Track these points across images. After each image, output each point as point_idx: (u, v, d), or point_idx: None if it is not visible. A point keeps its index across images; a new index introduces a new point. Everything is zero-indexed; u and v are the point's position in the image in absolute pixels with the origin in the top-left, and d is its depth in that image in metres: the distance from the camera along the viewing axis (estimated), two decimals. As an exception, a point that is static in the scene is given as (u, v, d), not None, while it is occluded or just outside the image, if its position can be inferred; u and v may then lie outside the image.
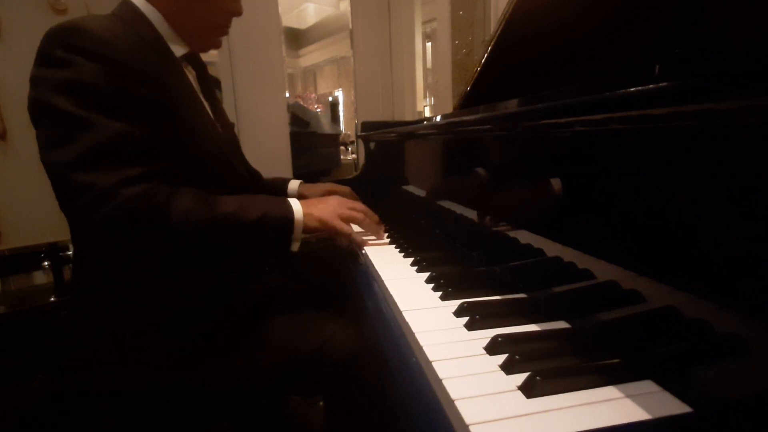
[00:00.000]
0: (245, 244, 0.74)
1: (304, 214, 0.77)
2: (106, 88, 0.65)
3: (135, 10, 0.77)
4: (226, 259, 0.79)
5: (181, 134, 0.73)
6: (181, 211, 0.65)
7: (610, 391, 0.36)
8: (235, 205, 0.71)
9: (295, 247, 0.77)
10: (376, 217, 0.91)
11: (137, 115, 0.67)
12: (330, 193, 1.10)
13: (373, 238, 0.91)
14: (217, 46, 0.88)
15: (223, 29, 0.86)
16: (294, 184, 1.12)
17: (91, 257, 0.72)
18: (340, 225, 0.81)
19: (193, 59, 0.85)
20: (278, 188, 1.11)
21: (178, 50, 0.80)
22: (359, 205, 0.87)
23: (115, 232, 0.62)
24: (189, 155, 0.74)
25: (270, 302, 0.89)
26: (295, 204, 0.77)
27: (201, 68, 0.87)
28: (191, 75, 0.84)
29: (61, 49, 0.64)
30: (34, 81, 0.65)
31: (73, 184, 0.61)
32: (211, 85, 0.91)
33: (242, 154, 0.99)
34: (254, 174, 1.09)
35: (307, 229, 0.77)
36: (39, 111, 0.65)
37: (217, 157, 0.81)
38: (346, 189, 1.13)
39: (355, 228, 0.89)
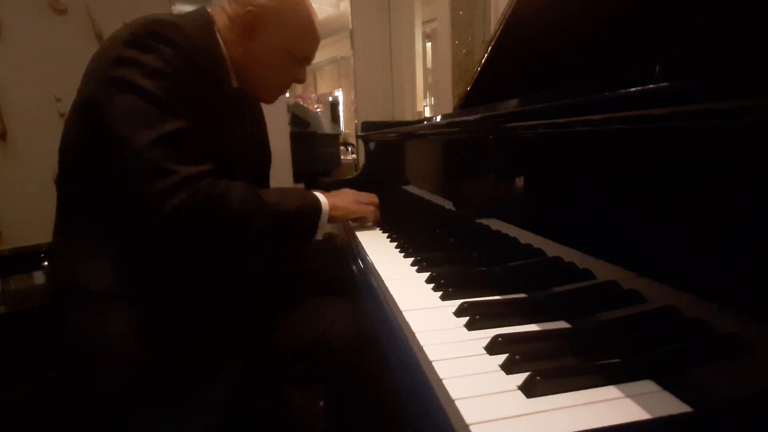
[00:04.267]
0: (285, 230, 0.80)
1: (330, 205, 0.85)
2: (189, 86, 0.70)
3: (211, 23, 0.80)
4: (265, 245, 0.83)
5: (222, 149, 0.77)
6: (238, 198, 0.71)
7: (610, 391, 0.36)
8: (278, 196, 0.78)
9: (320, 235, 0.84)
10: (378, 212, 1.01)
11: (203, 116, 0.71)
12: None
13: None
14: (269, 101, 0.92)
15: (282, 90, 0.91)
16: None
17: (85, 249, 0.72)
18: (363, 208, 0.95)
19: (239, 94, 0.87)
20: None
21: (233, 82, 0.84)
22: (370, 198, 0.99)
23: (181, 218, 0.66)
24: (222, 169, 0.77)
25: (268, 293, 0.90)
26: (321, 197, 0.86)
27: (245, 104, 0.90)
28: (244, 105, 0.88)
29: (154, 38, 0.68)
30: (123, 61, 0.67)
31: (157, 166, 0.64)
32: (255, 118, 0.95)
33: (265, 178, 1.03)
34: None
35: (332, 219, 0.86)
36: (126, 87, 0.66)
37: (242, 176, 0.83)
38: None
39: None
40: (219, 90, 0.78)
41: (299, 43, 0.85)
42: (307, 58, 0.88)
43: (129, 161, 0.65)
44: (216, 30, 0.80)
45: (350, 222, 0.99)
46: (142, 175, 0.65)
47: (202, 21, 0.79)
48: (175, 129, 0.66)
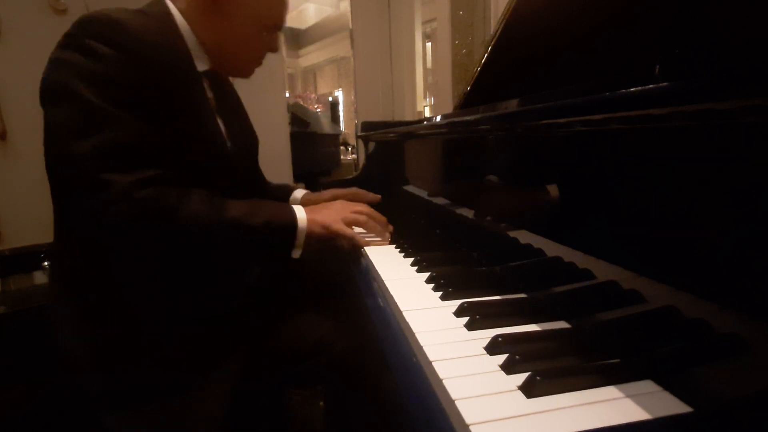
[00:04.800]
0: (249, 248, 0.74)
1: (308, 221, 0.77)
2: (133, 87, 0.65)
3: (168, 13, 0.76)
4: (229, 261, 0.78)
5: (191, 145, 0.73)
6: (190, 213, 0.66)
7: (610, 391, 0.36)
8: (243, 210, 0.71)
9: (296, 254, 0.77)
10: (383, 218, 0.90)
11: (157, 117, 0.67)
12: (335, 199, 1.07)
13: (377, 239, 0.90)
14: (246, 75, 0.88)
15: (258, 62, 0.86)
16: (298, 193, 1.11)
17: (81, 251, 0.71)
18: (343, 229, 0.81)
19: (212, 76, 0.83)
20: (283, 196, 1.10)
21: (201, 65, 0.79)
22: (364, 208, 0.87)
23: (125, 231, 0.62)
24: (195, 167, 0.74)
25: (265, 303, 0.89)
26: (300, 211, 0.77)
27: (220, 86, 0.86)
28: (210, 92, 0.82)
29: (94, 38, 0.63)
30: (60, 63, 0.64)
31: (92, 179, 0.61)
32: (230, 102, 0.90)
33: (256, 171, 0.98)
34: (263, 187, 1.08)
35: (310, 235, 0.77)
36: (60, 95, 0.63)
37: (224, 172, 0.80)
38: (352, 190, 1.09)
39: (358, 230, 0.88)
40: (179, 80, 0.72)
41: (268, 10, 0.81)
42: (278, 25, 0.84)
43: (64, 175, 0.63)
44: (175, 18, 0.76)
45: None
46: (78, 188, 0.62)
47: (157, 11, 0.75)
48: (113, 137, 0.62)
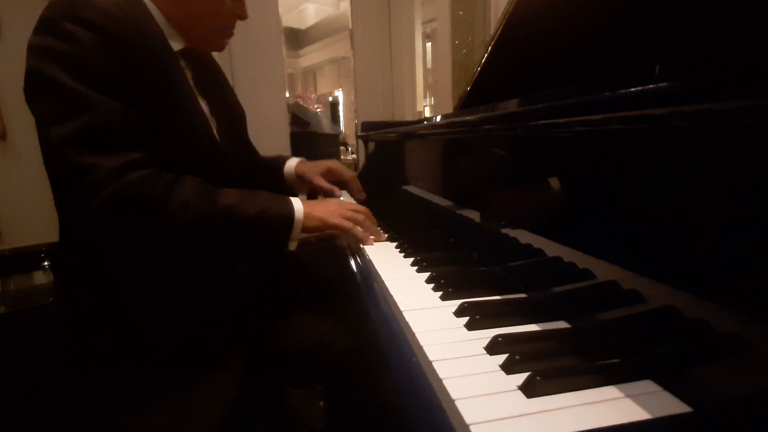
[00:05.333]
0: (241, 239, 0.73)
1: (305, 214, 0.76)
2: (110, 67, 0.63)
3: None
4: (222, 253, 0.77)
5: (176, 125, 0.71)
6: (181, 201, 0.64)
7: (610, 391, 0.36)
8: (235, 199, 0.70)
9: (293, 246, 0.76)
10: (374, 220, 0.90)
11: (137, 98, 0.65)
12: (330, 169, 1.06)
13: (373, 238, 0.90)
14: (219, 48, 0.85)
15: (227, 31, 0.83)
16: (292, 161, 1.08)
17: (83, 249, 0.70)
18: (342, 222, 0.81)
19: (189, 55, 0.81)
20: (275, 167, 1.08)
21: (175, 45, 0.77)
22: (361, 208, 0.87)
23: (112, 217, 0.61)
24: (180, 149, 0.72)
25: (265, 303, 0.89)
26: (297, 203, 0.77)
27: (198, 64, 0.84)
28: (188, 71, 0.81)
29: (68, 20, 0.62)
30: (35, 49, 0.63)
31: (73, 164, 0.59)
32: (211, 80, 0.88)
33: (245, 147, 0.95)
34: (254, 161, 1.05)
35: (306, 229, 0.76)
36: (37, 82, 0.63)
37: (209, 153, 0.78)
38: (351, 174, 1.07)
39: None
40: (157, 60, 0.70)
41: None
42: None
43: (50, 163, 0.62)
44: None
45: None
46: (63, 175, 0.61)
47: None
48: (92, 120, 0.60)
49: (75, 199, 0.61)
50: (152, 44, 0.70)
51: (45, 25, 0.63)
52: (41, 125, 0.62)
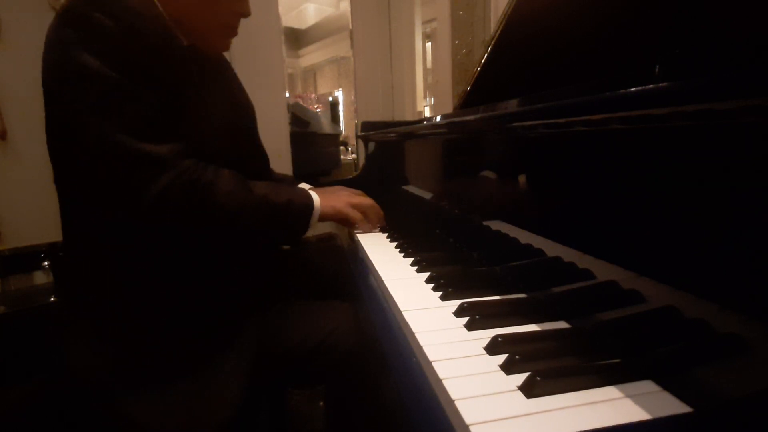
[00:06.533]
0: (273, 226, 0.76)
1: (321, 203, 0.82)
2: (143, 60, 0.64)
3: None
4: (251, 241, 0.79)
5: (193, 120, 0.72)
6: (226, 188, 0.67)
7: (610, 391, 0.36)
8: (267, 189, 0.74)
9: (309, 233, 0.81)
10: (381, 212, 0.98)
11: (165, 91, 0.66)
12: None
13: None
14: (224, 48, 0.85)
15: (231, 30, 0.83)
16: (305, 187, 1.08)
17: (86, 247, 0.70)
18: (352, 212, 0.89)
19: (194, 52, 0.79)
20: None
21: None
22: (367, 198, 0.95)
23: (170, 203, 0.61)
24: (202, 141, 0.72)
25: (271, 296, 0.90)
26: (312, 194, 0.82)
27: (205, 61, 0.82)
28: (195, 67, 0.78)
29: (98, 11, 0.61)
30: (62, 42, 0.61)
31: (128, 153, 0.59)
32: (219, 78, 0.87)
33: (256, 146, 0.96)
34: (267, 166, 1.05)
35: (322, 217, 0.82)
36: (69, 74, 0.61)
37: (221, 151, 0.77)
38: (369, 202, 1.05)
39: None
40: (171, 53, 0.69)
41: None
42: None
43: (95, 154, 0.60)
44: None
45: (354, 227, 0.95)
46: (115, 166, 0.60)
47: None
48: (139, 110, 0.61)
49: (130, 189, 0.61)
50: (166, 36, 0.70)
51: (72, 17, 0.62)
52: (82, 117, 0.60)
